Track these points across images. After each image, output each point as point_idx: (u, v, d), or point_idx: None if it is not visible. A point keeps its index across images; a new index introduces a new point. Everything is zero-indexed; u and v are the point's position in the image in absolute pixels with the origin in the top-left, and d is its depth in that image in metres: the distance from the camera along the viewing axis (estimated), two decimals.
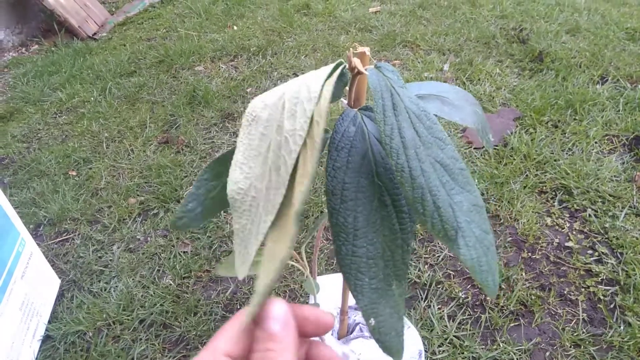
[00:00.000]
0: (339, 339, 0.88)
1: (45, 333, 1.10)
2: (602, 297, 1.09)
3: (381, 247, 0.41)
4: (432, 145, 0.38)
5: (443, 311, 1.09)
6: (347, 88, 0.46)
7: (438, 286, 1.14)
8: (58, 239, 1.36)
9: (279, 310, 0.29)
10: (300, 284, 1.16)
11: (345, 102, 0.48)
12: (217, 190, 0.50)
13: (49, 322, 1.12)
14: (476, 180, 1.39)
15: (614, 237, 1.20)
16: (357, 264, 0.40)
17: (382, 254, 0.41)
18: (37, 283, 1.10)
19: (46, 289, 1.15)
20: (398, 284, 0.41)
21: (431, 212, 0.36)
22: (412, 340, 0.95)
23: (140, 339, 1.08)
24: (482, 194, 1.36)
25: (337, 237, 0.40)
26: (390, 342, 0.40)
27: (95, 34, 2.68)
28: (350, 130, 0.43)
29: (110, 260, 1.27)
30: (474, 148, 1.52)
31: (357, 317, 0.91)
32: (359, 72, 0.42)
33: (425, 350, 1.00)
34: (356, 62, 0.43)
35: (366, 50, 0.43)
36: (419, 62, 2.01)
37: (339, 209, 0.40)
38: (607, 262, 1.15)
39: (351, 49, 0.44)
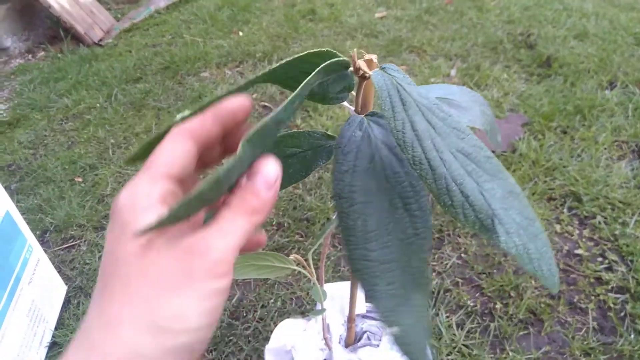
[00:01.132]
0: (346, 347, 0.87)
1: (51, 339, 1.10)
2: (612, 305, 1.07)
3: (396, 251, 0.39)
4: (450, 135, 0.36)
5: (451, 319, 1.07)
6: (353, 93, 0.46)
7: (446, 294, 1.13)
8: (64, 246, 1.36)
9: (270, 171, 0.28)
10: (307, 291, 1.15)
11: (353, 108, 0.48)
12: None
13: (56, 328, 1.12)
14: None
15: (624, 244, 1.19)
16: (371, 269, 0.39)
17: (397, 259, 0.40)
18: (44, 289, 1.10)
19: (53, 296, 1.15)
20: (420, 292, 0.40)
21: (461, 203, 0.34)
22: None
23: None
24: None
25: (348, 241, 0.39)
26: (415, 355, 0.39)
27: (101, 40, 2.70)
28: (356, 135, 0.43)
29: None
30: None
31: (364, 325, 0.90)
32: (365, 77, 0.42)
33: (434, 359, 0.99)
34: (361, 63, 0.42)
35: (373, 57, 0.43)
36: (425, 68, 2.00)
37: (347, 212, 0.39)
38: (617, 270, 1.14)
39: (355, 49, 0.43)
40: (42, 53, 2.68)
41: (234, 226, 0.26)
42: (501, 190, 0.35)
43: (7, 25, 2.59)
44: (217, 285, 0.25)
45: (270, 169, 0.28)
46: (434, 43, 2.20)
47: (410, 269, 0.40)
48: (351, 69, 0.42)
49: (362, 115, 0.45)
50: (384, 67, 0.41)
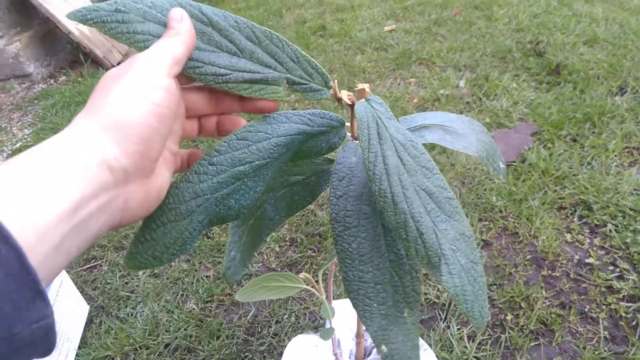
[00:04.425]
0: None
1: (75, 358, 1.14)
2: (623, 314, 1.07)
3: (389, 272, 0.42)
4: (417, 173, 0.39)
5: (462, 332, 1.09)
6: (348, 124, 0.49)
7: (457, 306, 1.14)
8: (86, 266, 1.41)
9: (174, 12, 0.36)
10: (320, 306, 1.18)
11: (349, 135, 0.51)
12: (245, 235, 0.53)
13: (79, 347, 1.16)
14: (494, 197, 1.39)
15: (635, 252, 1.19)
16: (365, 290, 0.41)
17: (390, 280, 0.42)
18: (68, 310, 1.15)
19: (76, 315, 1.19)
20: (410, 311, 0.42)
21: (414, 238, 0.37)
22: None
23: None
24: (501, 211, 1.36)
25: (343, 263, 0.42)
26: None
27: (119, 63, 2.78)
28: (351, 161, 0.45)
29: (137, 285, 1.32)
30: None
31: None
32: (353, 106, 0.44)
33: None
34: (343, 94, 0.44)
35: (366, 87, 0.46)
36: (434, 80, 2.02)
37: (343, 235, 0.42)
38: (629, 278, 1.14)
39: (335, 81, 0.46)
40: (64, 77, 2.77)
41: (163, 43, 0.35)
42: (454, 232, 0.38)
43: (29, 51, 2.69)
44: (159, 82, 0.33)
45: (173, 11, 0.37)
46: (443, 54, 2.22)
47: (402, 288, 0.42)
48: (331, 92, 0.45)
49: (358, 142, 0.47)
50: (369, 99, 0.44)
